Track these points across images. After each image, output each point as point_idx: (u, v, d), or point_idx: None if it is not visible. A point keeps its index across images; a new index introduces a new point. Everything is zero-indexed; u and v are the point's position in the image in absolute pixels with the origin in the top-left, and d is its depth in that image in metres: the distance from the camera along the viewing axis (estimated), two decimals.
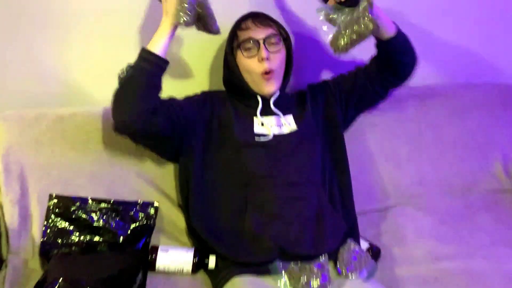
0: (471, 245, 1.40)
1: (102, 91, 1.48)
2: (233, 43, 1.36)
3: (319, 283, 1.17)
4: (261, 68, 1.32)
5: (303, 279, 1.17)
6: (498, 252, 1.36)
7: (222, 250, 1.25)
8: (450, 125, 1.63)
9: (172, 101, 1.33)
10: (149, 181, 1.41)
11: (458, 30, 1.72)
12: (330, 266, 1.23)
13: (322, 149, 1.38)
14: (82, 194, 1.32)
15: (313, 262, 1.20)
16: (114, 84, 1.49)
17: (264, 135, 1.33)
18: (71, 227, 1.28)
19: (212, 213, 1.30)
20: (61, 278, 1.10)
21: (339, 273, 1.22)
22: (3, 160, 1.32)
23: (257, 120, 1.36)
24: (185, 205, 1.36)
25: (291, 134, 1.35)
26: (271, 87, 1.35)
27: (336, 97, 1.45)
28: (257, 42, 1.32)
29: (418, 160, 1.60)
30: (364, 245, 1.35)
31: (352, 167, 1.43)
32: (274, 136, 1.33)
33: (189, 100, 1.39)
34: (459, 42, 1.74)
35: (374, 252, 1.36)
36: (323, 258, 1.22)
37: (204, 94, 1.43)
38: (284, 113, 1.38)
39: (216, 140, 1.33)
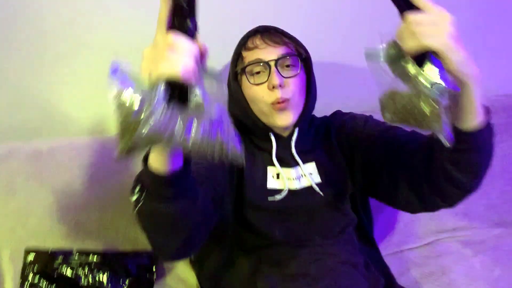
0: None
1: (88, 117, 1.31)
2: (237, 66, 1.09)
3: None
4: (272, 97, 1.03)
5: None
6: None
7: None
8: (500, 145, 1.40)
9: (204, 187, 0.91)
10: None
11: None
12: None
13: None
14: (65, 245, 1.16)
15: None
16: (101, 110, 1.31)
17: (278, 191, 1.07)
18: None
19: (224, 274, 1.08)
20: None
21: None
22: None
23: (272, 170, 1.08)
24: (199, 261, 1.15)
25: (311, 189, 1.08)
26: (286, 119, 1.05)
27: (356, 147, 1.11)
28: (267, 64, 1.03)
29: None
30: None
31: None
32: (290, 191, 1.07)
33: (209, 164, 1.01)
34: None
35: None
36: None
37: None
38: (305, 160, 1.09)
39: (233, 197, 1.07)
